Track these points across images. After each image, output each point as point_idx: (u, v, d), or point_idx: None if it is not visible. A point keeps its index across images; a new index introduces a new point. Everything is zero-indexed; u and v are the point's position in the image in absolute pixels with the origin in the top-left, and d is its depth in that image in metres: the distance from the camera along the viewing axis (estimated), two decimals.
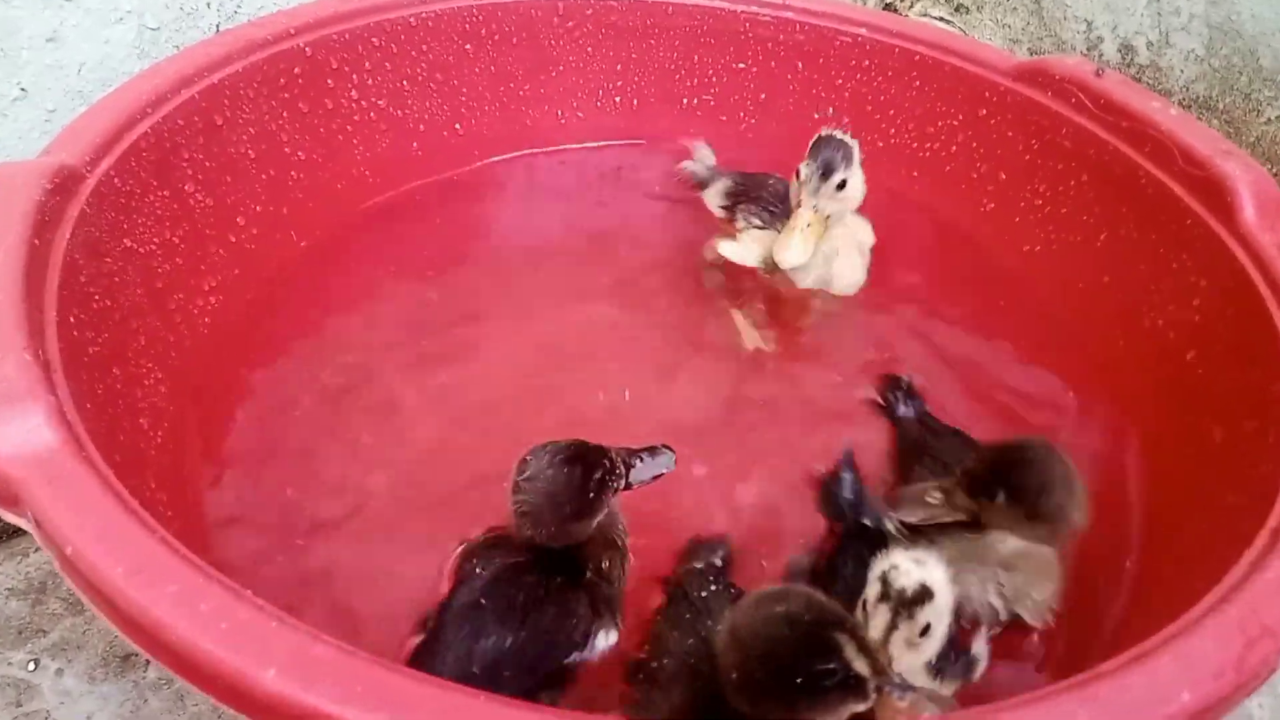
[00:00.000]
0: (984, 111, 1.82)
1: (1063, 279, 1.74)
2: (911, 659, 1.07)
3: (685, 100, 2.07)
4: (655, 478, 1.25)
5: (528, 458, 1.15)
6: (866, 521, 1.31)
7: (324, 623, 1.27)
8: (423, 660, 1.12)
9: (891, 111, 1.94)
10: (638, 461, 1.23)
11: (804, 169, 1.55)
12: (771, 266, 1.65)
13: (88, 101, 1.53)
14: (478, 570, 1.16)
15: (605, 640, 1.17)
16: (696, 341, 1.73)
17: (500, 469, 1.19)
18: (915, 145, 1.94)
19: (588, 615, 1.16)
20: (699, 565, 1.27)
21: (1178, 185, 1.52)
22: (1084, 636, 1.29)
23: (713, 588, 1.19)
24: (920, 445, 1.47)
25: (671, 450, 1.28)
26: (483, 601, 1.12)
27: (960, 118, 1.86)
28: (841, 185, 1.55)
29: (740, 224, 1.77)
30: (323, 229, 1.81)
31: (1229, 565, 1.00)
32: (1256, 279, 1.34)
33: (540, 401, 1.59)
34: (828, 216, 1.58)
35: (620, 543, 1.26)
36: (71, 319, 1.20)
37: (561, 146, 2.06)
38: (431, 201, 1.94)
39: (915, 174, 1.94)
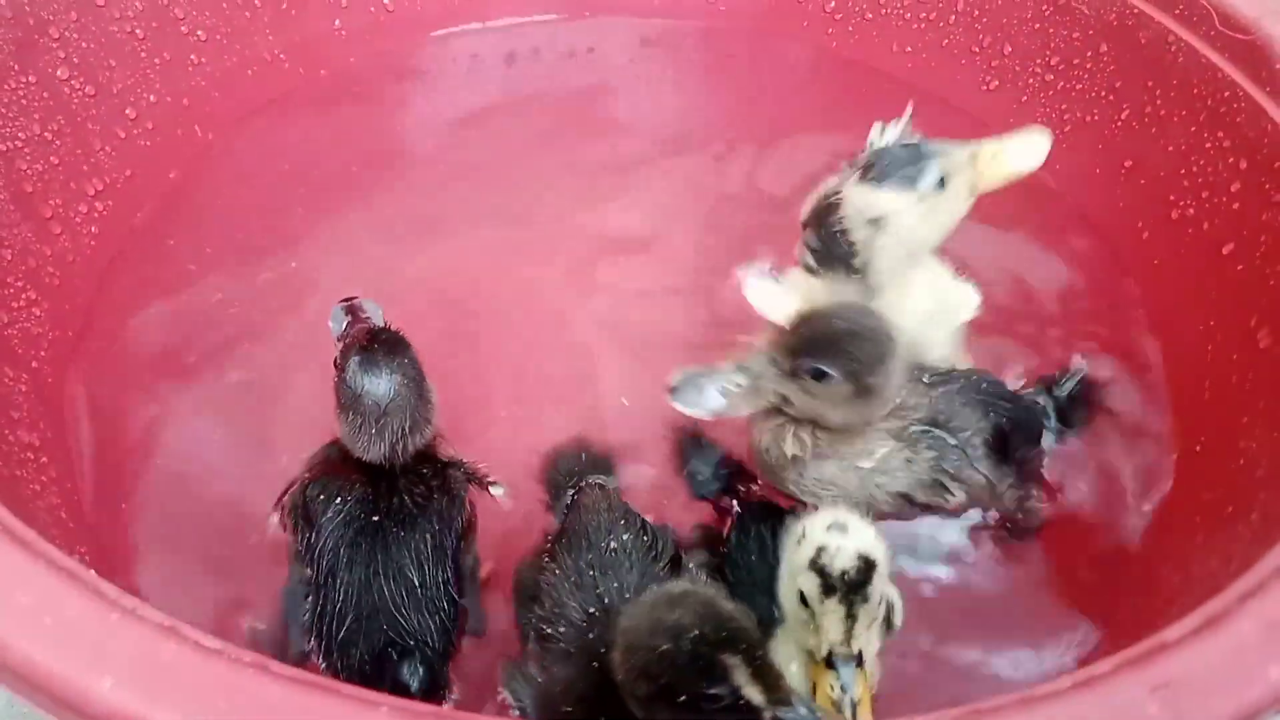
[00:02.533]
0: None
1: (1077, 164, 1.53)
2: (876, 636, 0.91)
3: None
4: None
5: (358, 386, 1.00)
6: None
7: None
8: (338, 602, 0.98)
9: None
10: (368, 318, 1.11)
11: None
12: None
13: None
14: (338, 500, 1.01)
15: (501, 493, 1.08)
16: (632, 237, 1.54)
17: None
18: (909, 15, 1.70)
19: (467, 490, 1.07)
20: (603, 501, 1.07)
21: (1215, 52, 1.32)
22: (1113, 574, 1.14)
23: (624, 536, 1.01)
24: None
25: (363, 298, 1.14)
26: (376, 518, 1.00)
27: None
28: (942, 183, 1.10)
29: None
30: (231, 122, 1.60)
31: None
32: None
33: (477, 309, 1.42)
34: None
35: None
36: None
37: (503, 21, 1.81)
38: (358, 88, 1.71)
39: (908, 49, 1.72)
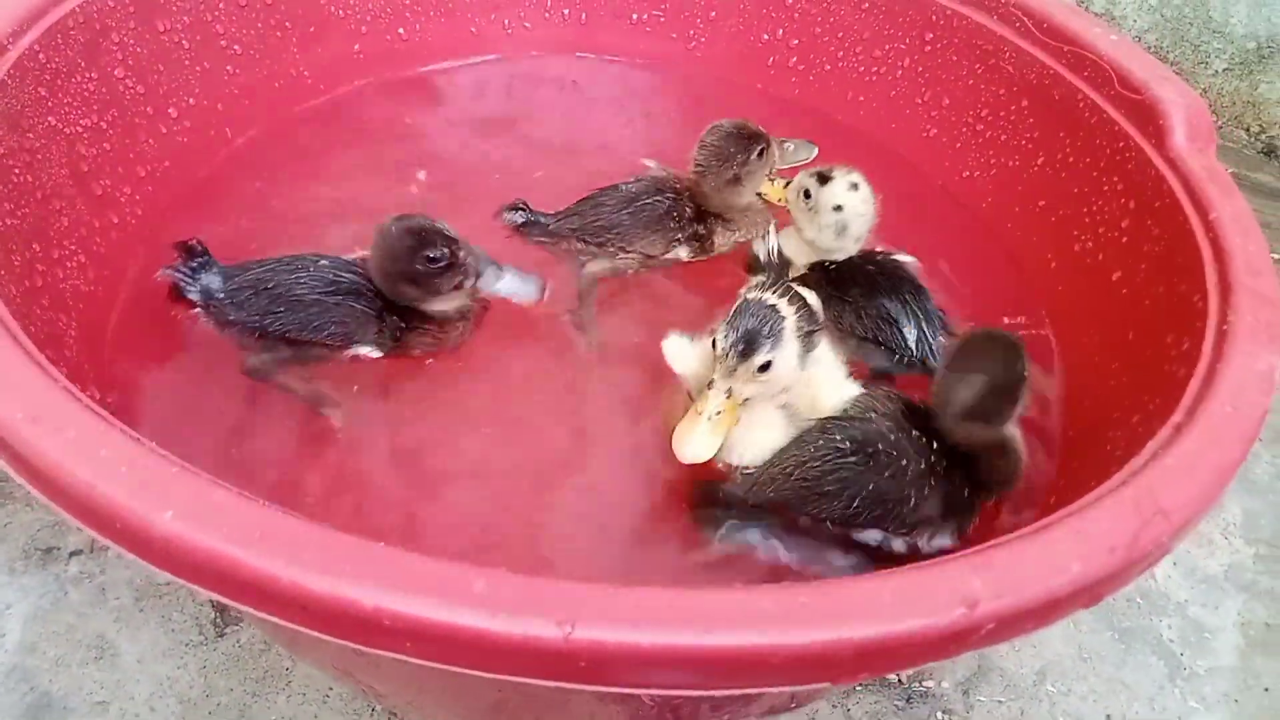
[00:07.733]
0: (930, 35, 1.82)
1: (1000, 203, 1.75)
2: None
3: (634, 15, 2.05)
4: (510, 296, 1.42)
5: (397, 217, 1.35)
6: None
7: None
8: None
9: (840, 34, 1.93)
10: (494, 272, 1.39)
11: (720, 339, 1.21)
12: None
13: None
14: (323, 262, 1.40)
15: (364, 350, 1.41)
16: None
17: None
18: (862, 69, 1.93)
19: (371, 326, 1.39)
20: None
21: (1114, 109, 1.53)
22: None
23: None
24: None
25: (543, 283, 1.42)
26: (292, 264, 1.39)
27: (906, 42, 1.86)
28: (765, 367, 1.21)
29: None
30: (258, 128, 1.79)
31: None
32: (1183, 199, 1.36)
33: None
34: (744, 401, 1.24)
35: (441, 337, 1.43)
36: None
37: (507, 57, 2.04)
38: (372, 107, 1.91)
39: (861, 98, 1.94)
